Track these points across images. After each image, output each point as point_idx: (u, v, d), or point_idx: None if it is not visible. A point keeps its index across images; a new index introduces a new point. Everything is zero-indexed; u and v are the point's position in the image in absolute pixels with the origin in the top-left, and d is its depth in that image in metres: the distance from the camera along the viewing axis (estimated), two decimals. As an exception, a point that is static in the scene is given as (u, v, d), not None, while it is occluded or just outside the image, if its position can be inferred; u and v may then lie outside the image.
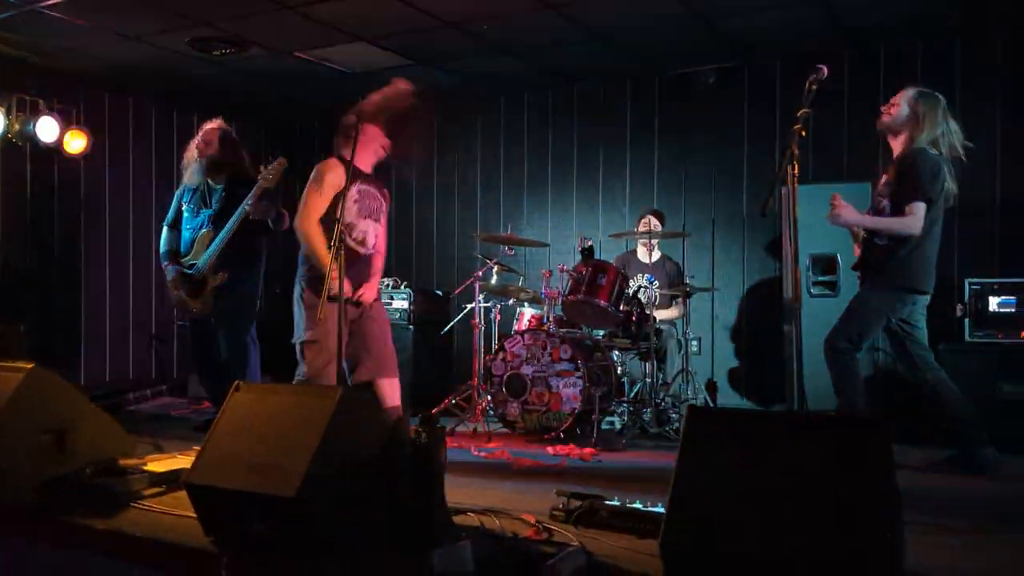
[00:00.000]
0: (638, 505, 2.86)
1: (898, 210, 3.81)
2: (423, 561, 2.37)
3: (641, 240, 5.85)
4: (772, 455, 2.05)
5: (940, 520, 3.00)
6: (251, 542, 2.51)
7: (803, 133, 2.69)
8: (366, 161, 4.08)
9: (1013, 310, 4.74)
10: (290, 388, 2.68)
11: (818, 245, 5.33)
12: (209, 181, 4.96)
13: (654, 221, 5.80)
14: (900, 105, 3.88)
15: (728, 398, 6.27)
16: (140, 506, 3.06)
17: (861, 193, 5.34)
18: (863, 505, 1.88)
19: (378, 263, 4.16)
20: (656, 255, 5.88)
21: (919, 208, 3.74)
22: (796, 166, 2.64)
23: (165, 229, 5.13)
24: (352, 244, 3.94)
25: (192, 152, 4.98)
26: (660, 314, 5.56)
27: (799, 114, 2.74)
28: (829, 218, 3.87)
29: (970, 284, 4.90)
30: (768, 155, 6.27)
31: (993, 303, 4.77)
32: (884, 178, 3.96)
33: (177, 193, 5.16)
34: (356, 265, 3.94)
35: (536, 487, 3.60)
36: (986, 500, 3.49)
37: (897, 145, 3.92)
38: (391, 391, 4.01)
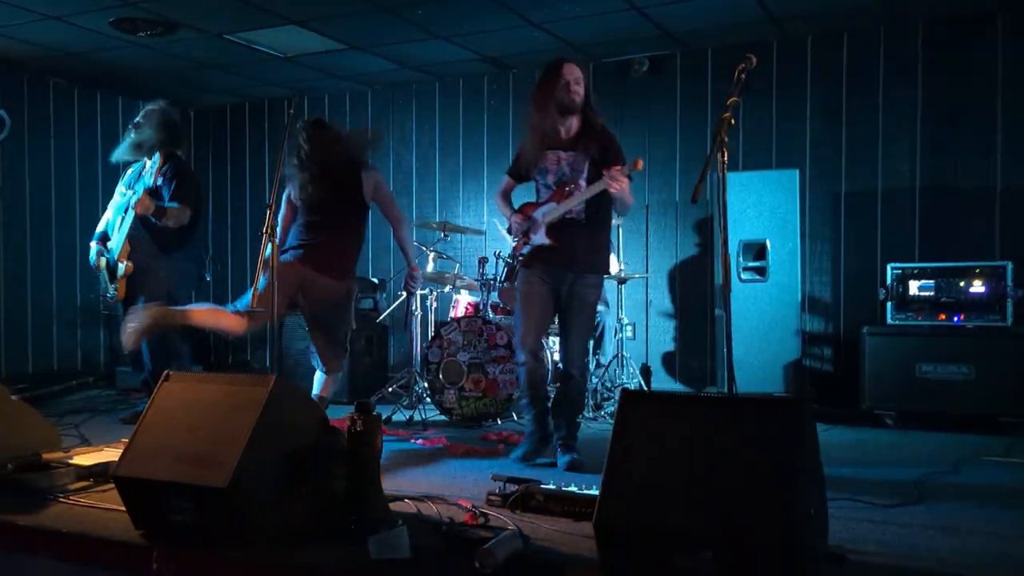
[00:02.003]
0: (573, 488, 2.91)
1: None
2: (360, 548, 2.37)
3: None
4: (701, 436, 2.10)
5: (860, 496, 3.11)
6: (182, 534, 2.47)
7: (732, 121, 2.75)
8: None
9: (932, 294, 4.93)
10: (222, 378, 2.64)
11: (748, 231, 5.46)
12: (146, 162, 4.87)
13: None
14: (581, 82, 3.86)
15: (663, 382, 6.38)
16: (66, 501, 2.98)
17: (789, 179, 5.51)
18: (787, 482, 1.94)
19: None
20: None
21: None
22: (725, 153, 2.69)
23: (108, 210, 5.03)
24: None
25: (128, 137, 4.88)
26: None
27: (728, 102, 2.80)
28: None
29: (892, 269, 5.08)
30: (700, 143, 6.38)
31: (913, 287, 4.95)
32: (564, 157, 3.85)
33: (121, 176, 5.09)
34: None
35: (473, 473, 3.62)
36: (906, 478, 3.62)
37: (570, 126, 3.87)
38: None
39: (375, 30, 5.85)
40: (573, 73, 3.82)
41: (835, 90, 5.98)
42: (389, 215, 4.33)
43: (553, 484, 2.97)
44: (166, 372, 2.75)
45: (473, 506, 2.87)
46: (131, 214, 4.69)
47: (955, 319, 4.87)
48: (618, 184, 3.52)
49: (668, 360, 6.52)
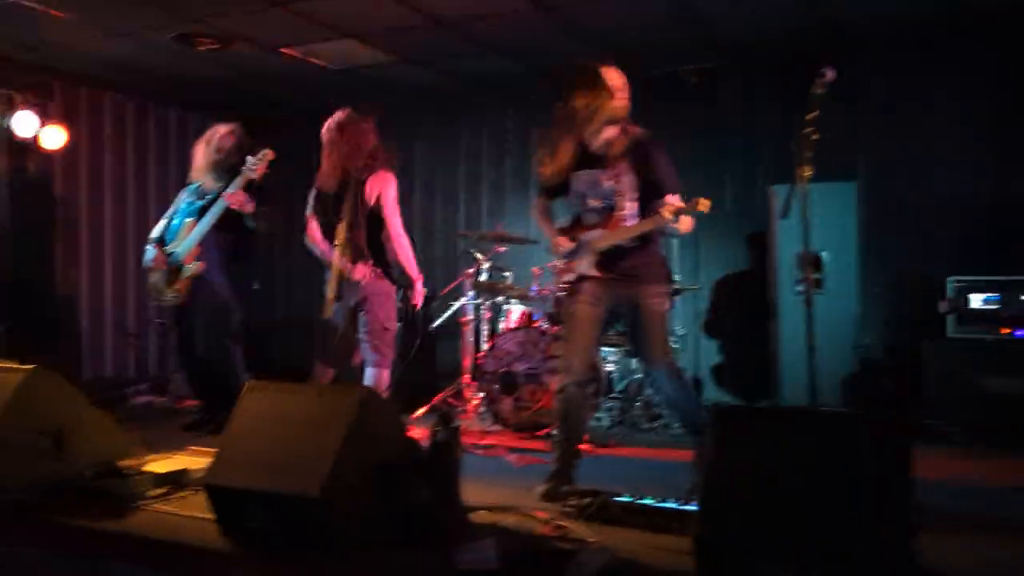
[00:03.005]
0: (649, 501, 2.90)
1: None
2: (447, 558, 2.38)
3: None
4: (799, 451, 2.09)
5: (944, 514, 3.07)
6: (271, 542, 2.50)
7: (815, 136, 2.74)
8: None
9: (996, 307, 4.86)
10: (305, 387, 2.68)
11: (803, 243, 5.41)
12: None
13: None
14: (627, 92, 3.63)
15: (712, 393, 6.35)
16: (147, 508, 3.03)
17: (846, 191, 5.47)
18: (896, 498, 1.93)
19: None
20: None
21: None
22: (808, 168, 2.69)
23: (164, 219, 5.08)
24: None
25: (205, 159, 4.87)
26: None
27: (808, 117, 2.78)
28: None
29: (952, 282, 5.02)
30: (752, 154, 6.36)
31: (976, 300, 4.89)
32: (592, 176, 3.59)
33: (186, 188, 5.10)
34: None
35: (540, 484, 3.62)
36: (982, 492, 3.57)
37: (601, 140, 3.59)
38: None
39: (427, 43, 5.91)
40: (616, 79, 3.60)
41: (893, 99, 5.92)
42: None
43: (628, 496, 2.97)
44: (250, 382, 2.79)
45: (551, 518, 2.88)
46: (208, 217, 4.71)
47: (1018, 332, 4.80)
48: (681, 226, 3.34)
49: (719, 372, 6.48)
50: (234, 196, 4.63)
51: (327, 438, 2.48)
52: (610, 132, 3.55)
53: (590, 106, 3.51)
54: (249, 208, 4.70)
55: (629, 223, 3.46)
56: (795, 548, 1.99)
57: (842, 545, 1.96)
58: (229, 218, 4.74)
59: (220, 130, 4.94)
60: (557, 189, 3.73)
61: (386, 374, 4.28)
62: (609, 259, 3.55)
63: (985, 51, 5.66)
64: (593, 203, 3.58)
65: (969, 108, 5.69)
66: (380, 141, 4.32)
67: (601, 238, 3.56)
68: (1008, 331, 4.83)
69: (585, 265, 3.60)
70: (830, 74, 2.97)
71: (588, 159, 3.58)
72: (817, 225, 5.35)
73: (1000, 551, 2.68)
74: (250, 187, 4.73)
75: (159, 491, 3.24)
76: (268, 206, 4.85)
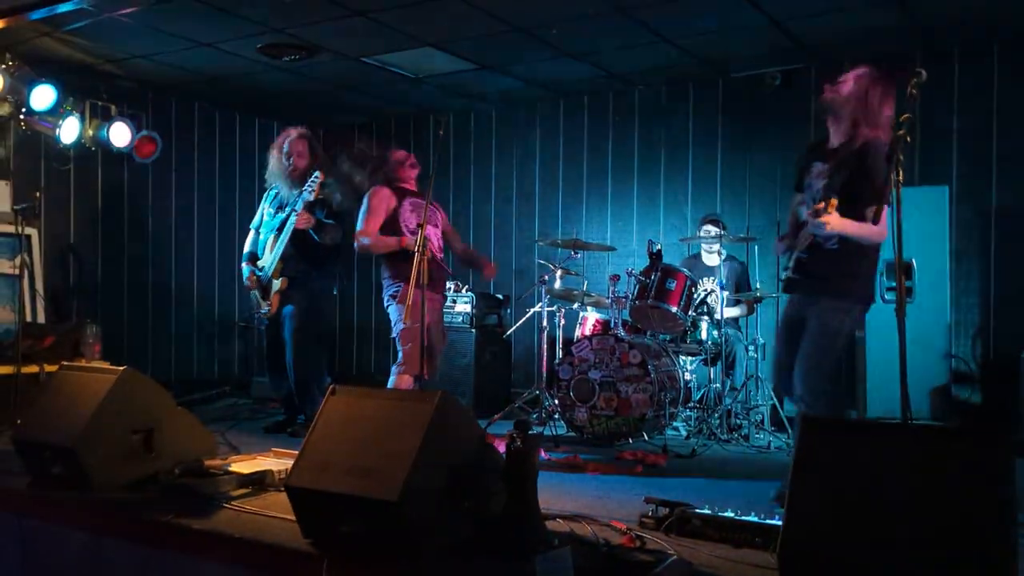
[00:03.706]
0: (730, 514, 2.83)
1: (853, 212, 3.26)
2: (525, 566, 2.36)
3: (704, 244, 5.81)
4: (887, 466, 2.01)
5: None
6: (351, 544, 2.53)
7: (908, 139, 2.63)
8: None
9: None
10: (386, 392, 2.71)
11: (891, 250, 5.21)
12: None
13: (714, 230, 5.73)
14: (843, 82, 3.39)
15: (793, 405, 6.17)
16: (231, 507, 3.10)
17: (937, 195, 5.27)
18: (982, 519, 1.84)
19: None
20: (721, 256, 5.81)
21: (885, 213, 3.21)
22: (901, 172, 2.59)
23: (251, 232, 5.29)
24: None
25: (279, 164, 5.05)
26: (727, 312, 5.49)
27: (902, 119, 2.68)
28: (813, 227, 3.24)
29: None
30: (836, 158, 6.17)
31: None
32: (820, 169, 3.45)
33: (264, 196, 5.31)
34: (430, 265, 4.37)
35: (617, 493, 3.58)
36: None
37: (838, 134, 3.42)
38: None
39: (505, 49, 5.94)
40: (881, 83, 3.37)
41: (983, 101, 5.68)
42: None
43: (708, 509, 2.90)
44: (332, 386, 2.83)
45: (628, 528, 2.83)
46: (285, 233, 4.88)
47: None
48: (822, 229, 3.17)
49: (800, 382, 6.29)
50: (300, 217, 4.85)
51: (405, 443, 2.49)
52: (845, 128, 3.38)
53: (836, 100, 3.38)
54: (312, 225, 4.86)
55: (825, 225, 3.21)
56: (884, 567, 1.91)
57: (935, 565, 1.87)
58: (305, 231, 4.90)
59: (291, 134, 5.08)
60: (799, 183, 3.62)
61: (405, 379, 4.44)
62: (801, 261, 3.44)
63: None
64: (807, 200, 3.46)
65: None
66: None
67: (801, 238, 3.45)
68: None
69: (790, 261, 3.51)
70: (923, 74, 2.84)
71: (822, 153, 3.48)
72: (907, 231, 5.24)
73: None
74: (315, 203, 4.90)
75: (242, 491, 3.32)
76: (335, 219, 5.02)
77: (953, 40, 5.65)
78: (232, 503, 3.13)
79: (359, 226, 4.62)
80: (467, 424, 2.77)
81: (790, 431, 5.21)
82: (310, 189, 4.83)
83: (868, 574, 1.91)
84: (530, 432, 2.70)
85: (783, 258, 3.67)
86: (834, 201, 3.12)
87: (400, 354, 4.53)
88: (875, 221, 3.14)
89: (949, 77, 5.75)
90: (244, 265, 5.21)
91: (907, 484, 1.97)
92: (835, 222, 3.16)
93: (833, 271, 3.34)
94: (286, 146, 5.06)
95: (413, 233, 4.48)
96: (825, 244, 3.33)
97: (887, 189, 2.82)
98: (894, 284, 5.23)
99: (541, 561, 2.37)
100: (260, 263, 5.09)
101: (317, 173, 4.84)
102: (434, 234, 4.67)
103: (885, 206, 3.11)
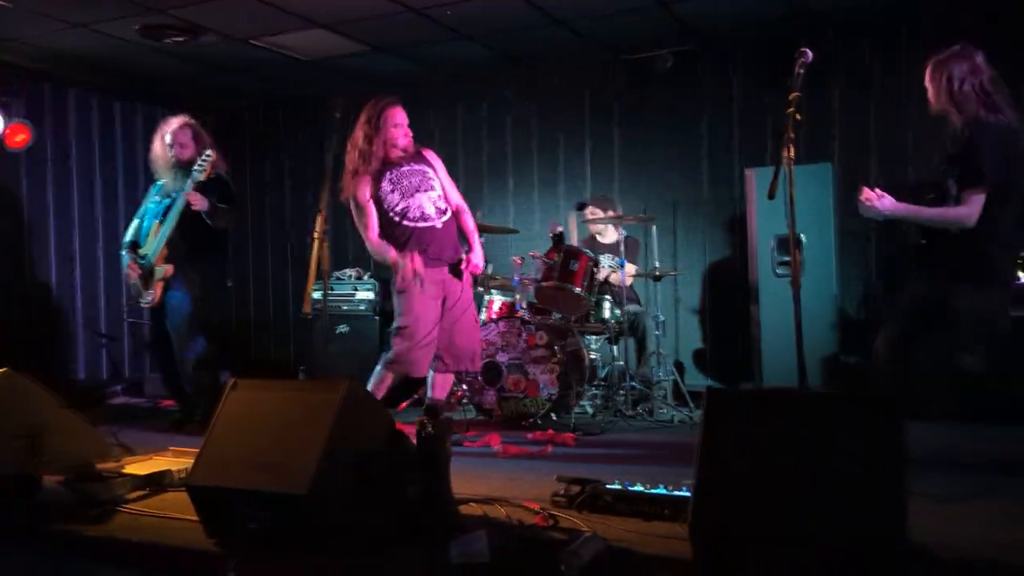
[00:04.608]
0: (640, 488, 2.88)
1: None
2: (440, 552, 2.34)
3: (593, 225, 5.91)
4: (793, 433, 2.08)
5: (930, 488, 3.08)
6: (259, 541, 2.45)
7: (798, 116, 2.72)
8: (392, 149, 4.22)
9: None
10: (290, 384, 2.63)
11: (782, 226, 5.42)
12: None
13: (598, 212, 5.82)
14: (927, 88, 3.43)
15: (694, 378, 6.36)
16: (128, 510, 2.96)
17: (822, 172, 5.49)
18: (893, 479, 1.93)
19: (464, 221, 4.39)
20: (617, 235, 5.91)
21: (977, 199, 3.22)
22: (792, 149, 2.67)
23: (135, 221, 5.03)
24: (412, 224, 4.16)
25: (163, 154, 4.83)
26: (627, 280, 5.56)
27: (791, 97, 2.77)
28: (863, 211, 3.39)
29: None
30: (726, 140, 6.37)
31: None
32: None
33: (152, 187, 5.05)
34: (432, 235, 4.16)
35: (528, 474, 3.59)
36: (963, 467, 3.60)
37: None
38: (442, 382, 4.39)
39: (400, 31, 5.84)
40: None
41: (862, 82, 5.95)
42: None
43: (618, 484, 2.94)
44: (232, 380, 2.73)
45: (541, 508, 2.85)
46: (170, 218, 4.67)
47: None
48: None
49: (699, 356, 6.49)
50: (191, 196, 4.62)
51: (313, 434, 2.43)
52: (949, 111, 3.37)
53: (933, 108, 3.40)
54: (204, 206, 4.67)
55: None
56: (790, 531, 1.98)
57: (848, 529, 1.95)
58: (194, 216, 4.69)
59: (173, 123, 4.88)
60: None
61: (387, 377, 4.19)
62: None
63: (947, 37, 5.67)
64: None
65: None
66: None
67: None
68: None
69: None
70: (810, 54, 2.95)
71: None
72: (796, 207, 5.46)
73: (984, 525, 2.70)
74: (207, 185, 4.69)
75: (139, 493, 3.17)
76: (230, 203, 4.83)
77: (832, 25, 5.88)
78: (128, 506, 2.99)
79: (361, 230, 4.26)
80: (376, 412, 2.72)
81: (691, 405, 5.37)
82: (201, 168, 4.60)
83: (775, 538, 1.97)
84: (441, 417, 2.68)
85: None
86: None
87: (391, 351, 4.20)
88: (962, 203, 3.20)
89: (829, 60, 5.99)
90: (124, 253, 4.94)
91: (810, 450, 2.04)
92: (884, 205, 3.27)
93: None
94: (168, 136, 4.85)
95: (400, 216, 4.14)
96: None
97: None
98: (785, 258, 5.47)
99: (456, 546, 2.35)
100: (142, 250, 4.85)
101: (209, 152, 4.63)
102: (425, 199, 4.19)
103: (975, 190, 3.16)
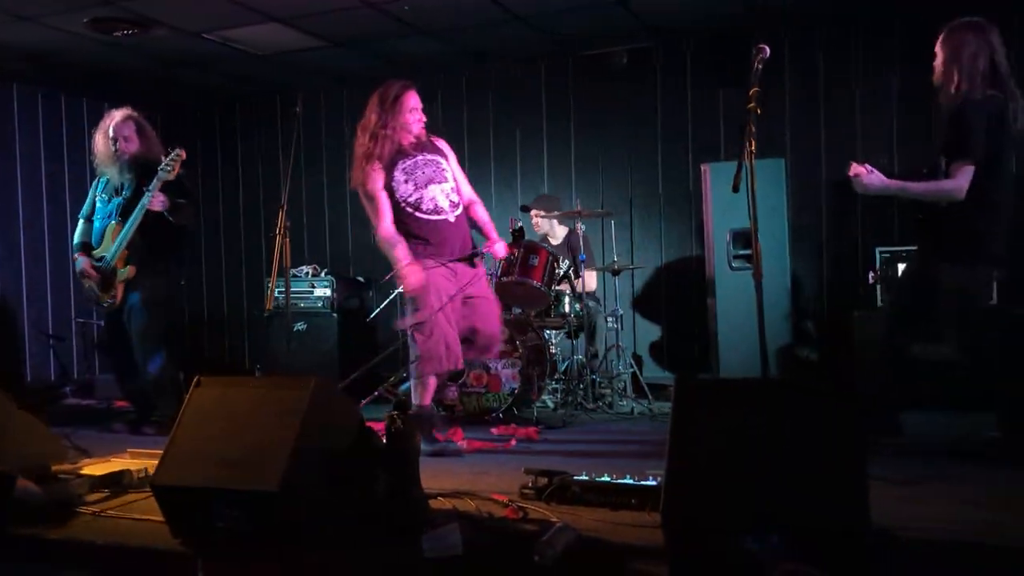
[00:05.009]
0: (607, 478, 2.92)
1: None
2: (412, 546, 2.35)
3: (539, 228, 5.94)
4: (760, 422, 2.13)
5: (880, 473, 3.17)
6: (228, 540, 2.43)
7: (758, 111, 2.78)
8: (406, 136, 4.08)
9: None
10: (256, 381, 2.61)
11: (737, 220, 5.53)
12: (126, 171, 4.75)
13: (542, 213, 5.84)
14: (936, 54, 3.45)
15: (651, 371, 6.44)
16: (87, 512, 2.90)
17: (775, 167, 5.60)
18: (854, 465, 1.99)
19: (477, 213, 4.30)
20: (561, 235, 5.95)
21: (966, 171, 3.28)
22: (753, 143, 2.73)
23: (81, 221, 4.91)
24: (426, 216, 4.04)
25: (107, 149, 4.71)
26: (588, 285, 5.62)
27: (751, 93, 2.83)
28: (856, 186, 3.46)
29: (881, 252, 5.19)
30: (681, 134, 6.45)
31: (901, 269, 5.06)
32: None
33: (93, 184, 4.94)
34: (445, 231, 4.07)
35: (494, 468, 3.62)
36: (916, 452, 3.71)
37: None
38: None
39: (357, 26, 5.79)
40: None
41: (812, 79, 6.08)
42: None
43: (585, 475, 2.98)
44: (197, 377, 2.69)
45: (510, 500, 2.87)
46: (132, 220, 4.57)
47: (942, 300, 4.99)
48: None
49: (656, 349, 6.58)
50: (154, 200, 4.51)
51: (282, 432, 2.41)
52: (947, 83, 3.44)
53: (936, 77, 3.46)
54: (165, 206, 4.58)
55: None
56: (758, 517, 2.03)
57: (814, 513, 2.00)
58: (154, 216, 4.61)
59: (116, 117, 4.76)
60: None
61: (430, 382, 4.09)
62: None
63: (896, 37, 5.86)
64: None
65: (883, 88, 5.86)
66: None
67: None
68: (932, 299, 5.02)
69: None
70: (767, 51, 3.02)
71: None
72: (745, 202, 5.55)
73: (936, 505, 2.80)
74: (168, 187, 4.62)
75: (98, 495, 3.11)
76: (186, 197, 4.75)
77: (785, 23, 6.00)
78: (88, 508, 2.93)
79: (373, 220, 4.10)
80: (345, 409, 2.71)
81: (650, 397, 5.44)
82: (168, 168, 4.49)
83: (744, 524, 2.02)
84: (409, 413, 2.68)
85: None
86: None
87: (412, 351, 4.04)
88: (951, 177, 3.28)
89: (780, 57, 6.11)
90: (77, 256, 4.81)
91: (776, 438, 2.09)
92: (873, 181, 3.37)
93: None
94: (111, 130, 4.72)
95: (413, 207, 4.00)
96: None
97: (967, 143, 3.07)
98: (741, 252, 5.57)
99: (429, 540, 2.36)
100: (98, 252, 4.75)
101: (178, 151, 4.53)
102: (439, 192, 4.07)
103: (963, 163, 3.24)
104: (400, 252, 3.98)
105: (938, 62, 3.41)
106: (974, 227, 3.37)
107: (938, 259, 3.46)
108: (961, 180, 3.27)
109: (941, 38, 3.41)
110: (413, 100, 4.07)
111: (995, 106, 3.31)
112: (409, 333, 4.05)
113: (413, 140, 4.07)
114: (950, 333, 3.50)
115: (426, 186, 4.06)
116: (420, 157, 4.10)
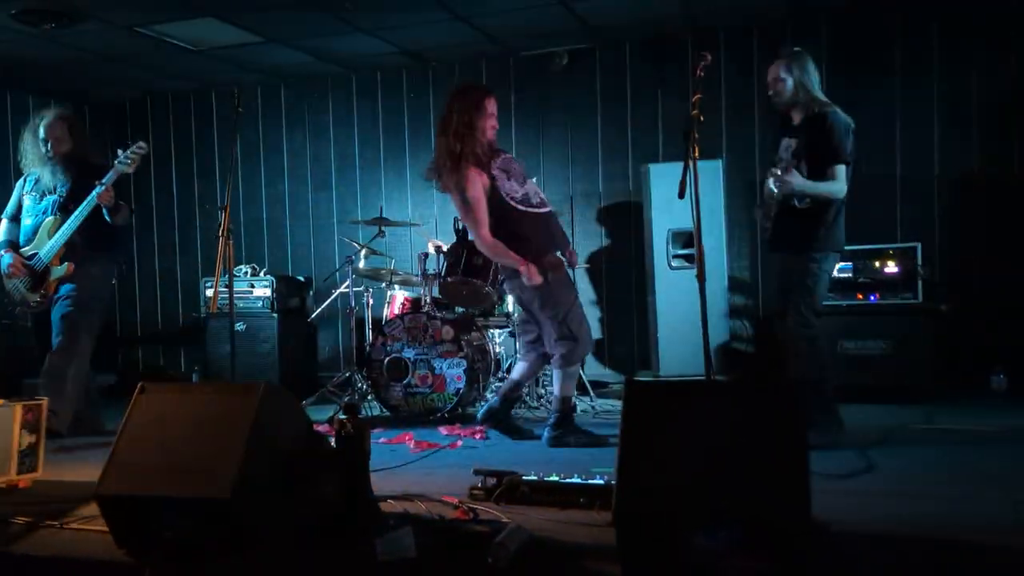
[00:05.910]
0: (555, 478, 2.96)
1: (818, 174, 3.78)
2: (365, 550, 2.35)
3: None
4: (708, 420, 2.20)
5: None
6: (177, 549, 2.39)
7: (701, 117, 2.86)
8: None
9: (850, 275, 5.25)
10: (203, 387, 2.56)
11: (676, 220, 5.64)
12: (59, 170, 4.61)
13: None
14: (782, 79, 3.84)
15: (592, 368, 6.52)
16: (17, 522, 2.80)
17: (712, 169, 5.73)
18: (798, 459, 2.06)
19: None
20: None
21: (841, 171, 3.77)
22: (696, 148, 2.80)
23: (4, 221, 4.73)
24: (536, 210, 4.05)
25: (36, 150, 4.58)
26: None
27: (694, 99, 2.90)
28: (782, 185, 3.73)
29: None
30: (621, 135, 6.55)
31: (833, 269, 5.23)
32: (787, 143, 3.92)
33: (18, 183, 4.76)
34: (553, 223, 4.16)
35: (441, 469, 3.63)
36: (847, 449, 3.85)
37: (797, 114, 3.89)
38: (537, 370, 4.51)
39: (294, 22, 5.72)
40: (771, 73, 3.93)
41: (746, 82, 6.23)
42: None
43: (534, 475, 3.01)
44: (140, 384, 2.64)
45: (460, 502, 2.88)
46: (75, 217, 4.43)
47: (871, 298, 5.20)
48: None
49: (597, 348, 6.66)
50: (105, 193, 4.39)
51: (231, 438, 2.38)
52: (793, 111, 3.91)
53: (782, 94, 3.92)
54: (112, 203, 4.47)
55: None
56: (709, 513, 2.09)
57: (760, 507, 2.07)
58: (93, 214, 4.49)
59: (47, 117, 4.63)
60: (773, 160, 4.06)
61: (560, 371, 4.12)
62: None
63: (824, 40, 6.05)
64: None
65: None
66: None
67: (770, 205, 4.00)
68: (862, 297, 5.22)
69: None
70: (708, 57, 3.10)
71: (789, 130, 3.96)
72: (684, 202, 5.68)
73: (873, 498, 2.92)
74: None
75: (32, 507, 3.01)
76: (122, 198, 4.63)
77: (720, 27, 6.14)
78: (21, 521, 2.83)
79: (472, 227, 4.03)
80: (294, 413, 2.69)
81: (592, 395, 5.52)
82: (127, 161, 4.37)
83: (695, 520, 2.08)
84: (358, 416, 2.67)
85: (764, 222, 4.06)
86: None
87: (559, 346, 3.99)
88: (831, 178, 3.71)
89: (716, 62, 6.22)
90: (3, 254, 4.64)
91: (722, 435, 2.16)
92: (797, 181, 3.66)
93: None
94: (42, 130, 4.59)
95: (523, 204, 3.96)
96: (798, 204, 3.75)
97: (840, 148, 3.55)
98: (679, 252, 5.69)
99: (382, 543, 2.36)
100: (28, 249, 4.60)
101: (140, 144, 4.41)
102: (534, 186, 4.14)
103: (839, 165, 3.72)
104: (513, 253, 3.96)
105: (790, 87, 3.82)
106: (828, 220, 3.84)
107: (793, 253, 3.88)
108: (842, 180, 3.79)
109: (784, 67, 3.83)
110: (493, 106, 4.04)
111: (844, 117, 3.86)
112: (557, 328, 4.00)
113: (491, 144, 4.04)
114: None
115: (525, 181, 4.07)
116: (504, 156, 4.09)
